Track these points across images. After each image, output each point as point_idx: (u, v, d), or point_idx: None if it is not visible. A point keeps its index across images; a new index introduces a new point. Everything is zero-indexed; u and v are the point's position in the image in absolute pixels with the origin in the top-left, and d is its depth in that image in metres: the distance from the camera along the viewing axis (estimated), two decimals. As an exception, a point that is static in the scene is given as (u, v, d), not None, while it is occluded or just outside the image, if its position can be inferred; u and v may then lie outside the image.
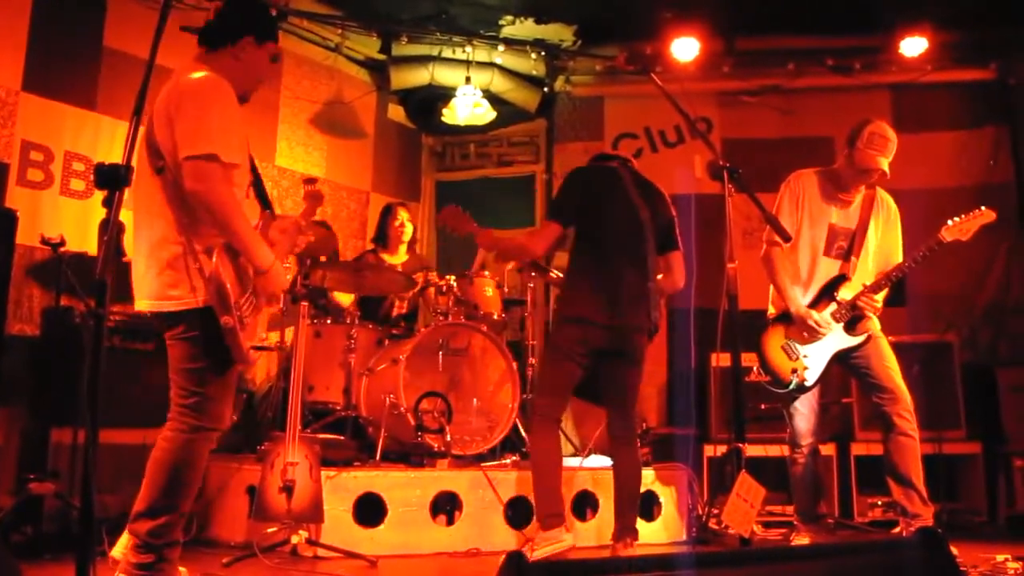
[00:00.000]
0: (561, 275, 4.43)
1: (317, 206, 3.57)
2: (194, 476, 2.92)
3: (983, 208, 4.08)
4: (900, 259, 4.24)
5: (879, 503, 5.36)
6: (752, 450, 4.80)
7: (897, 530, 4.26)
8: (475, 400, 4.91)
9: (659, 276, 4.08)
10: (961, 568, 3.41)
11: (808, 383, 4.17)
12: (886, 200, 4.32)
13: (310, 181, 3.67)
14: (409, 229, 6.01)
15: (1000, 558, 3.71)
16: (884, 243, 4.27)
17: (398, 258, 5.96)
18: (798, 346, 4.20)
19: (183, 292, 2.85)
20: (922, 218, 4.36)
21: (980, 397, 5.77)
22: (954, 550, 3.29)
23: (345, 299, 5.82)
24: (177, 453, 2.87)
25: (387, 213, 6.09)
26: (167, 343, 2.95)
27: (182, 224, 2.86)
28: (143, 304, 2.92)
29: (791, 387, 4.17)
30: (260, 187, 3.20)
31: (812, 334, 4.15)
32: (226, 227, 2.84)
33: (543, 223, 3.98)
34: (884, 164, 4.10)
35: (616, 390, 3.97)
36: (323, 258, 4.94)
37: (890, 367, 4.12)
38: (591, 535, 4.44)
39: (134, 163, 2.24)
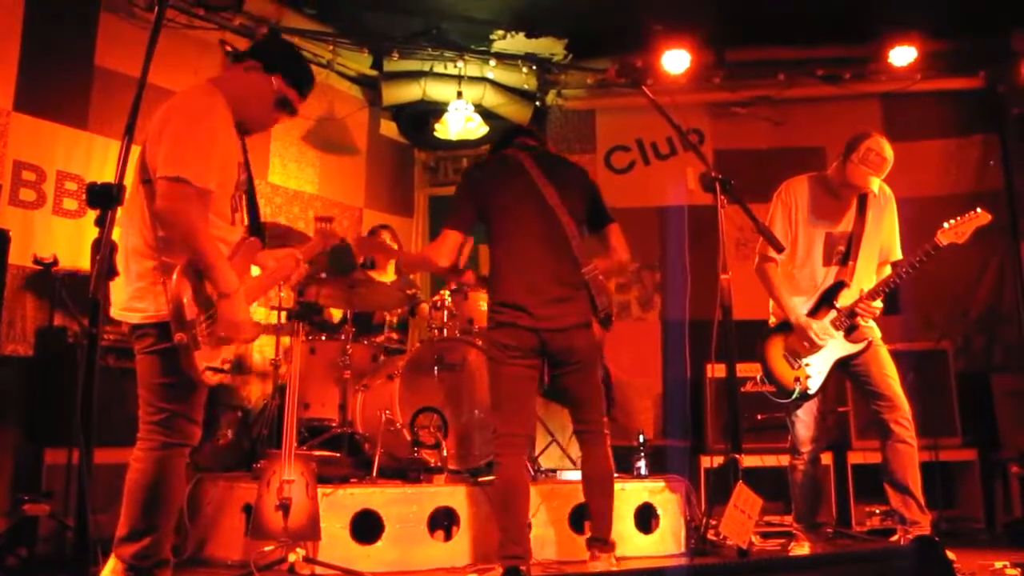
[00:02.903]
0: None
1: (326, 244, 3.56)
2: (171, 493, 2.91)
3: (978, 210, 4.07)
4: (898, 246, 4.24)
5: (877, 511, 5.35)
6: (749, 460, 4.81)
7: (895, 538, 4.27)
8: (471, 415, 4.90)
9: (597, 258, 3.86)
10: (959, 575, 3.42)
11: (811, 391, 4.17)
12: (881, 187, 4.25)
13: (326, 220, 3.63)
14: (393, 248, 6.08)
15: (998, 564, 3.71)
16: (880, 233, 4.25)
17: (387, 277, 6.01)
18: (799, 355, 4.20)
19: (149, 305, 2.85)
20: (913, 226, 4.37)
21: (975, 404, 5.78)
22: (952, 556, 3.31)
23: (334, 313, 5.84)
24: (151, 473, 2.85)
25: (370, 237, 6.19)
26: (136, 357, 2.93)
27: (159, 239, 2.87)
28: (113, 310, 2.92)
29: (794, 396, 4.17)
30: (253, 209, 3.20)
31: (812, 343, 4.15)
32: (191, 247, 2.84)
33: (442, 232, 3.81)
34: (875, 185, 4.09)
35: (571, 399, 3.86)
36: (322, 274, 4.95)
37: (889, 375, 4.13)
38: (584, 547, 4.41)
39: (127, 182, 2.25)
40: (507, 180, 3.85)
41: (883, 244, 4.27)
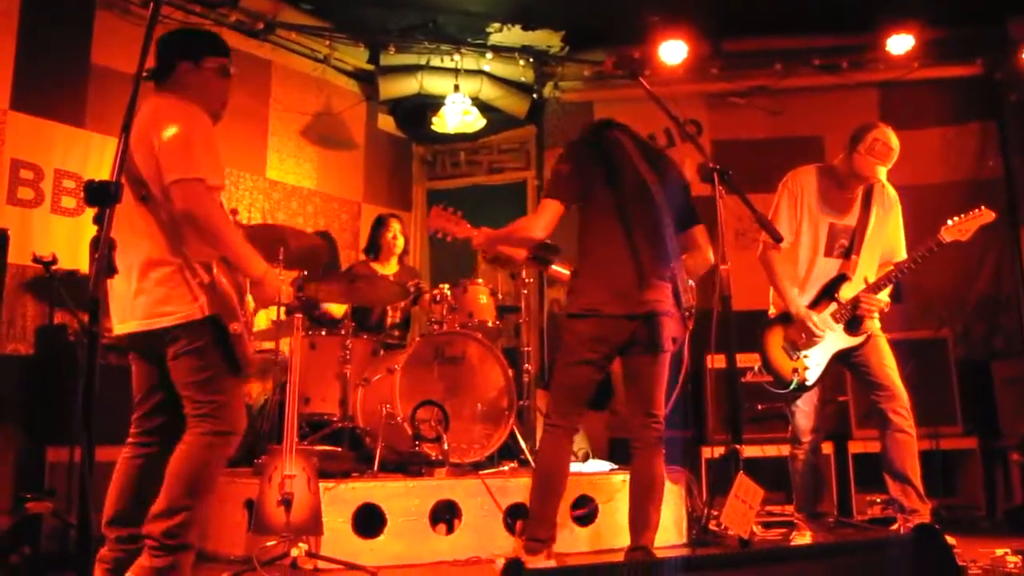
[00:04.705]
0: (565, 270, 4.12)
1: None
2: (211, 479, 2.95)
3: (982, 208, 4.09)
4: (903, 247, 4.24)
5: (878, 500, 5.36)
6: (749, 451, 4.81)
7: (896, 527, 4.28)
8: (472, 408, 4.91)
9: (683, 255, 3.67)
10: (960, 563, 3.43)
11: (809, 383, 4.17)
12: (886, 187, 4.28)
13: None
14: (401, 241, 6.00)
15: (1000, 552, 3.72)
16: (885, 233, 4.25)
17: (389, 269, 5.95)
18: (798, 346, 4.20)
19: (177, 307, 2.90)
20: (912, 215, 4.37)
21: (976, 392, 5.78)
22: (952, 540, 3.31)
23: (337, 310, 5.82)
24: (198, 456, 2.90)
25: (379, 224, 6.06)
26: (169, 364, 2.96)
27: (174, 244, 2.93)
28: (130, 325, 2.97)
29: (792, 387, 4.17)
30: None
31: (811, 335, 4.15)
32: (218, 241, 2.92)
33: (542, 203, 3.56)
34: (882, 174, 4.10)
35: (638, 384, 3.54)
36: (305, 272, 4.93)
37: (887, 365, 4.13)
38: (589, 540, 4.43)
39: (132, 202, 2.29)
40: (611, 161, 3.66)
41: (888, 245, 4.27)
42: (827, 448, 5.52)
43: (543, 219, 3.54)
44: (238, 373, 2.99)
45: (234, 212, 3.82)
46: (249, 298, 3.14)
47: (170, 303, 2.90)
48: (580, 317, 3.52)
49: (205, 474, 2.91)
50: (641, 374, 3.55)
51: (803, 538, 4.28)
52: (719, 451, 5.30)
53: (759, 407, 5.43)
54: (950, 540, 3.16)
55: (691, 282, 3.69)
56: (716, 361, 5.48)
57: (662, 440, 3.55)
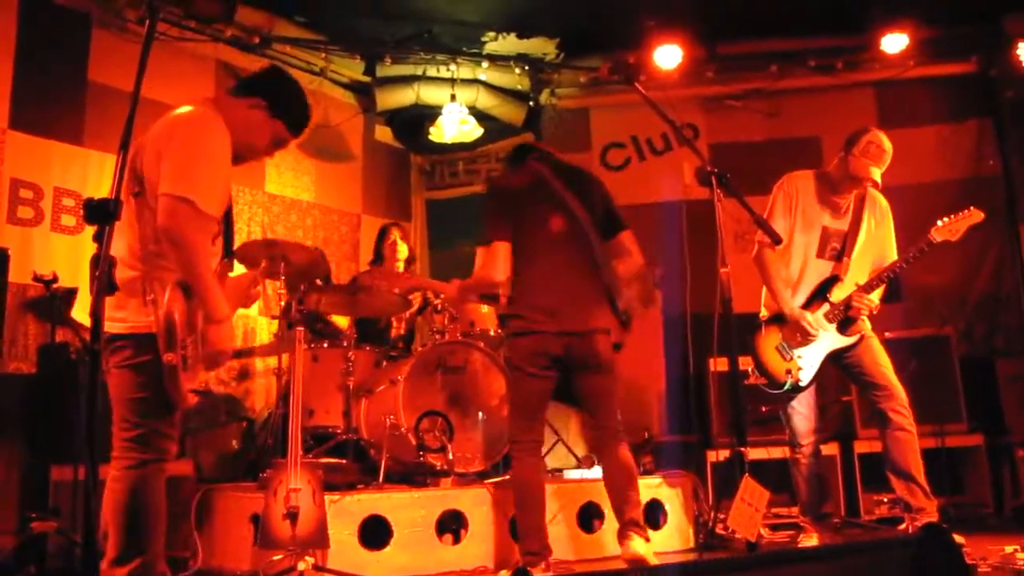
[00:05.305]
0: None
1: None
2: (155, 511, 2.82)
3: (971, 208, 4.14)
4: (895, 255, 4.28)
5: (885, 500, 5.34)
6: (754, 453, 4.80)
7: (903, 526, 4.27)
8: (475, 417, 4.90)
9: (615, 263, 3.89)
10: (969, 561, 3.42)
11: (803, 383, 4.20)
12: (877, 198, 4.36)
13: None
14: (403, 248, 6.00)
15: (1009, 549, 3.71)
16: (877, 241, 4.30)
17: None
18: (792, 347, 4.22)
19: (129, 315, 2.79)
20: (909, 213, 4.39)
21: (980, 389, 5.77)
22: (960, 539, 3.30)
23: (343, 321, 5.81)
24: (131, 492, 2.77)
25: (381, 234, 6.10)
26: (111, 372, 2.84)
27: (146, 251, 2.82)
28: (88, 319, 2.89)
29: (786, 388, 4.19)
30: (228, 235, 3.16)
31: (805, 335, 4.17)
32: (188, 268, 2.78)
33: (488, 249, 3.80)
34: (876, 175, 4.15)
35: (589, 402, 3.84)
36: (318, 281, 4.92)
37: (882, 364, 4.16)
38: (597, 547, 4.42)
39: (123, 197, 2.24)
40: (531, 190, 3.88)
41: (879, 253, 4.31)
42: (832, 449, 5.52)
43: (495, 262, 3.80)
44: (169, 409, 2.83)
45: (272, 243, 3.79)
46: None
47: (124, 309, 2.79)
48: (520, 335, 3.78)
49: (145, 511, 2.78)
50: (589, 391, 3.82)
51: (810, 540, 4.27)
52: (724, 454, 5.32)
53: (763, 409, 5.42)
54: (959, 539, 3.15)
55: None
56: (719, 364, 5.53)
57: (620, 433, 3.78)
